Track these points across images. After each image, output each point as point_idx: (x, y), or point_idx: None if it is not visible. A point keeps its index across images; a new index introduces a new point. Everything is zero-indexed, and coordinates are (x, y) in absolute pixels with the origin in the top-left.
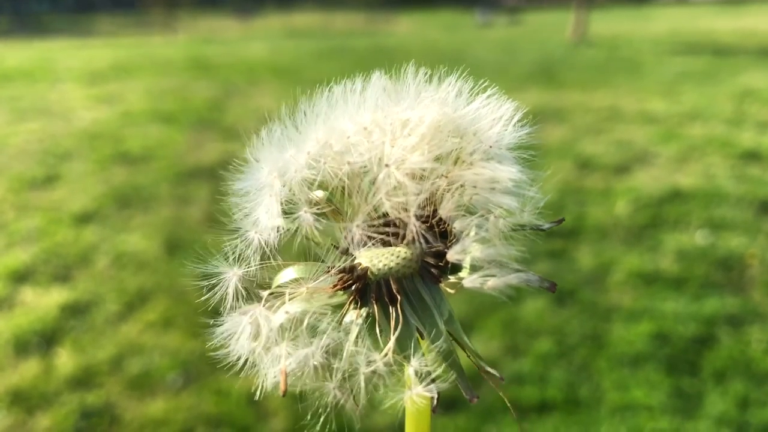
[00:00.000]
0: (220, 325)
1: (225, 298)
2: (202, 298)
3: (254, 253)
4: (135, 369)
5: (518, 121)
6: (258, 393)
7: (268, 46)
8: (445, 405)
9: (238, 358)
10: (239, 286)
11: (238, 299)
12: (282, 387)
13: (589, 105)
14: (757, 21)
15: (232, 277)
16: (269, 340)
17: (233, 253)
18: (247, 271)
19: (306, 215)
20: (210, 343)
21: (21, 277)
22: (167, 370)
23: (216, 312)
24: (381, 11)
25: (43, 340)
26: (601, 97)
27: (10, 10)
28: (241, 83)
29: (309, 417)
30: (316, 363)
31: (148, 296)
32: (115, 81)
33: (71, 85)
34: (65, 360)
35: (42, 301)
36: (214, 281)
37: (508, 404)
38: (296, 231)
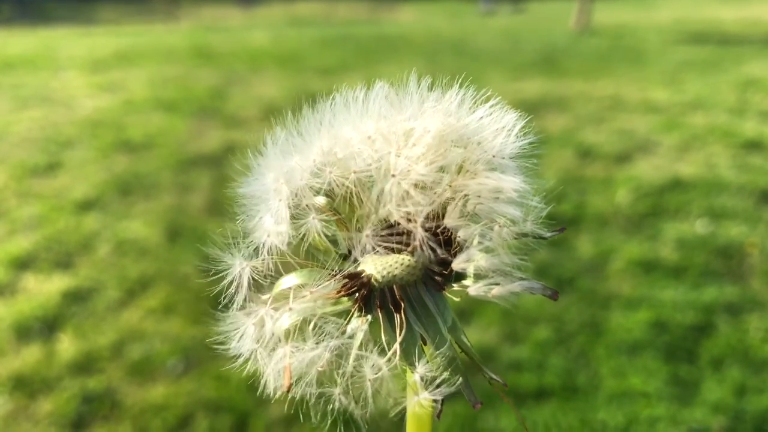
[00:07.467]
0: (223, 321)
1: (237, 289)
2: (207, 281)
3: (261, 254)
4: (136, 355)
5: (520, 130)
6: (261, 388)
7: (270, 35)
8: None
9: (239, 356)
10: (251, 279)
11: (246, 295)
12: (286, 382)
13: (592, 94)
14: (762, 10)
15: (245, 268)
16: (272, 342)
17: (241, 251)
18: (255, 267)
19: (314, 221)
20: (211, 336)
21: (23, 263)
22: (168, 355)
23: (219, 301)
24: None
25: (44, 326)
26: (603, 86)
27: None
28: (243, 71)
29: (317, 420)
30: (320, 367)
31: (149, 283)
32: (118, 69)
33: (73, 73)
34: (67, 346)
35: (44, 288)
36: (221, 268)
37: (507, 401)
38: (303, 237)
